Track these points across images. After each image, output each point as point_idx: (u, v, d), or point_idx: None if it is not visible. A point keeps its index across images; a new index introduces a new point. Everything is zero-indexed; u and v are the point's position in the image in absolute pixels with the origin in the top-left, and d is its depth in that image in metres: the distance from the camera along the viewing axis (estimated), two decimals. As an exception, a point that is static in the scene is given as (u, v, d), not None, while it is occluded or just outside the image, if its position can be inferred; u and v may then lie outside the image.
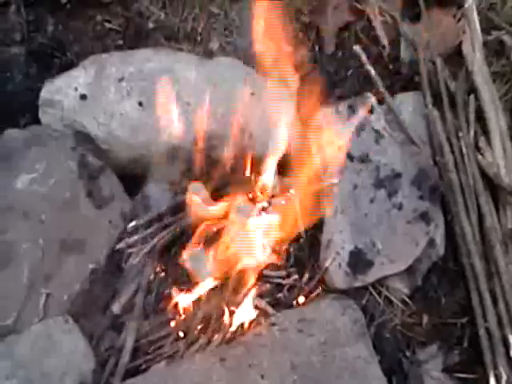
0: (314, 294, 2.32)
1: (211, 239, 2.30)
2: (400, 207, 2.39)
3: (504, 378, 2.14)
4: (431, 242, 2.37)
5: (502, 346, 2.19)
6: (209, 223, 2.30)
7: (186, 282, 2.30)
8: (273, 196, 2.37)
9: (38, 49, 2.75)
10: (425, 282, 2.38)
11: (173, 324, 2.27)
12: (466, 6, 2.75)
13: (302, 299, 2.32)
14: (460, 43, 2.74)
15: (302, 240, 2.45)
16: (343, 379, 2.07)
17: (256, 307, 2.27)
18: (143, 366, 2.21)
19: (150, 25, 2.85)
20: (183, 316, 2.27)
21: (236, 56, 2.71)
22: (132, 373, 2.17)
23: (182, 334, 2.26)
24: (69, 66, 2.66)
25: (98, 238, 2.32)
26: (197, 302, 2.28)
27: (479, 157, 2.46)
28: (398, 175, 2.43)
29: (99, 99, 2.49)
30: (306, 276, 2.37)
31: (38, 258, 2.22)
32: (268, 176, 2.35)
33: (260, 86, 2.55)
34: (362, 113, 2.54)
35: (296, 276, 2.36)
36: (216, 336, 2.22)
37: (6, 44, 2.73)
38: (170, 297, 2.29)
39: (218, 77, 2.52)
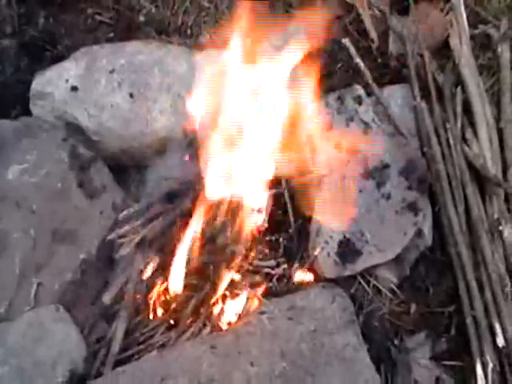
0: (303, 282, 2.34)
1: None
2: (388, 197, 2.41)
3: (490, 365, 2.16)
4: (419, 232, 2.39)
5: (489, 334, 2.21)
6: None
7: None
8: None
9: (29, 41, 2.77)
10: (413, 272, 2.40)
11: (164, 314, 2.29)
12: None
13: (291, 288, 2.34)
14: (447, 36, 2.76)
15: (290, 230, 2.47)
16: (332, 366, 2.09)
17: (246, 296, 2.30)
18: (135, 357, 2.22)
19: (141, 18, 2.87)
20: (174, 306, 2.29)
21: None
22: (124, 363, 2.18)
23: (172, 324, 2.28)
24: (60, 58, 2.68)
25: (89, 229, 2.34)
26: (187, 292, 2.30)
27: (466, 148, 2.49)
28: (386, 166, 2.45)
29: (90, 91, 2.51)
30: (296, 265, 2.39)
31: (29, 248, 2.24)
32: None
33: (249, 79, 2.56)
34: (350, 104, 2.56)
35: (285, 265, 2.38)
36: (207, 325, 2.24)
37: (-4, 37, 2.75)
38: (160, 287, 2.31)
39: (209, 69, 2.54)
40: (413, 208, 2.40)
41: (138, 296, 2.31)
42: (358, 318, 2.26)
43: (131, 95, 2.50)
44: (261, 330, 2.15)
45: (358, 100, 2.57)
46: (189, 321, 2.26)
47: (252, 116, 2.36)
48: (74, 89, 2.51)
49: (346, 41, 2.73)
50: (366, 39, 2.84)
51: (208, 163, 2.30)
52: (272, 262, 2.39)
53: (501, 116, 2.61)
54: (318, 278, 2.34)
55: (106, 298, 2.29)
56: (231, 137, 2.32)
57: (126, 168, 2.55)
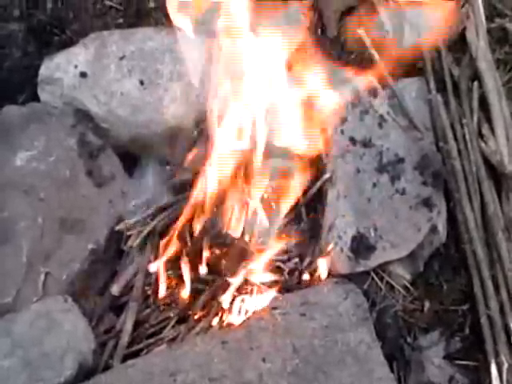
0: (316, 277, 2.30)
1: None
2: (403, 192, 2.36)
3: (505, 365, 2.12)
4: (433, 229, 2.35)
5: (504, 334, 2.16)
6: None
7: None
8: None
9: (37, 25, 2.72)
10: (426, 269, 2.36)
11: (173, 307, 2.25)
12: (470, -8, 2.74)
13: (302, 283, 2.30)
14: (464, 29, 2.71)
15: (302, 224, 2.43)
16: (345, 364, 2.04)
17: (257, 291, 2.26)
18: (144, 350, 2.19)
19: (151, 4, 2.82)
20: (184, 299, 2.25)
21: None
22: (133, 356, 2.14)
23: (182, 318, 2.24)
24: (68, 43, 2.63)
25: (97, 218, 2.30)
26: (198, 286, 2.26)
27: (482, 144, 2.45)
28: (401, 160, 2.41)
29: (100, 77, 2.47)
30: (307, 260, 2.35)
31: (37, 236, 2.20)
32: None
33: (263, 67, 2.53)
34: (365, 96, 2.51)
35: (297, 260, 2.34)
36: (217, 319, 2.20)
37: (4, 20, 2.70)
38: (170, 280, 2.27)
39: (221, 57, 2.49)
40: (427, 204, 2.36)
41: (147, 288, 2.28)
42: (371, 315, 2.22)
43: (141, 82, 2.45)
44: (273, 325, 2.10)
45: (373, 92, 2.53)
46: (199, 315, 2.22)
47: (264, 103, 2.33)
48: (83, 75, 2.46)
49: (360, 31, 2.68)
50: (380, 30, 2.78)
51: (218, 153, 2.27)
52: (283, 256, 2.34)
53: (518, 111, 2.57)
54: (331, 274, 2.30)
55: (115, 289, 2.26)
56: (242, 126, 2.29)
57: (136, 157, 2.50)
